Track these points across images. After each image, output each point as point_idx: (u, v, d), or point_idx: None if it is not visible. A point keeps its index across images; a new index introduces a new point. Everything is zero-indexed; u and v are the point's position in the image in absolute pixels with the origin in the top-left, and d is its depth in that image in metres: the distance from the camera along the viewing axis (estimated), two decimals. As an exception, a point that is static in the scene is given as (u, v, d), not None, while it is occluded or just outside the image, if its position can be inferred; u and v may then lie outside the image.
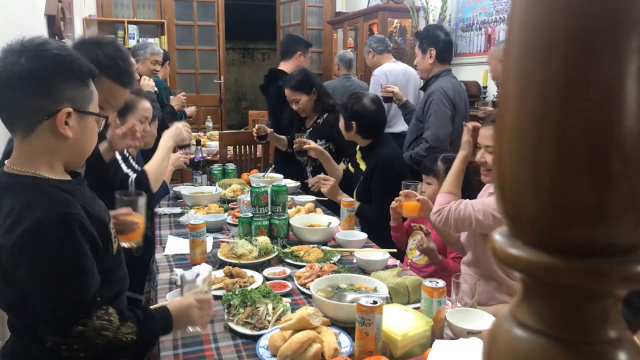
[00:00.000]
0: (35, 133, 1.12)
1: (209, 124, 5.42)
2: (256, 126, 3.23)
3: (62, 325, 1.07)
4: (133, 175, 1.98)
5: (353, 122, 2.48)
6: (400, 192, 1.94)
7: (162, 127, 3.23)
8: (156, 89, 3.59)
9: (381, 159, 2.46)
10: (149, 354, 1.46)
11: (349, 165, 2.83)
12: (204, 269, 1.77)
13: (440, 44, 2.89)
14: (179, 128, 2.26)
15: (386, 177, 2.40)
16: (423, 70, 2.98)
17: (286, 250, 1.95)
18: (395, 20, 5.15)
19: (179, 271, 1.53)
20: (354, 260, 1.87)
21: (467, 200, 1.71)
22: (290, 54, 3.54)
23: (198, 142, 3.01)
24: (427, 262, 2.07)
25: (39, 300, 1.08)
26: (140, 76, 3.63)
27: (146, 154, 2.89)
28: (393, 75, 3.58)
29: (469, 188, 2.08)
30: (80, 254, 1.10)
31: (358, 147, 2.68)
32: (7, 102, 1.11)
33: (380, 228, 2.29)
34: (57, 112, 1.11)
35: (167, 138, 2.19)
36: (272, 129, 3.20)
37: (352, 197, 2.60)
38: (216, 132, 4.79)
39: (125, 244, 1.39)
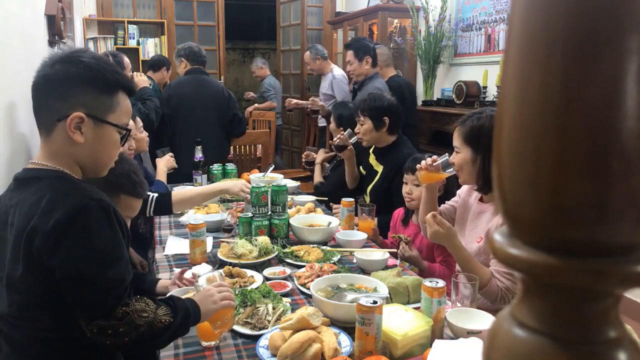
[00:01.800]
0: (53, 134, 1.18)
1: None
2: (305, 153, 3.20)
3: (107, 307, 1.09)
4: (154, 195, 2.00)
5: (386, 118, 2.50)
6: (435, 160, 1.76)
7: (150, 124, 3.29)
8: (151, 82, 3.68)
9: (406, 159, 2.40)
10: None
11: (360, 167, 2.85)
12: (204, 269, 1.78)
13: (372, 52, 3.56)
14: (237, 185, 2.18)
15: None
16: (359, 74, 3.56)
17: (286, 250, 1.95)
18: (395, 20, 5.15)
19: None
20: (354, 260, 1.87)
21: (492, 278, 1.58)
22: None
23: (198, 143, 3.02)
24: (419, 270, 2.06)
25: (80, 284, 1.08)
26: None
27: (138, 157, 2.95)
28: (346, 79, 4.29)
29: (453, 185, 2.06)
30: (119, 239, 1.14)
31: (372, 149, 2.69)
32: (35, 102, 1.20)
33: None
34: (69, 116, 1.15)
35: (222, 185, 2.08)
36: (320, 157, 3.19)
37: (364, 196, 2.61)
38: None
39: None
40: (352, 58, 3.52)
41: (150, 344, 1.17)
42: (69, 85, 1.17)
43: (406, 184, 2.16)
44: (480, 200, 1.81)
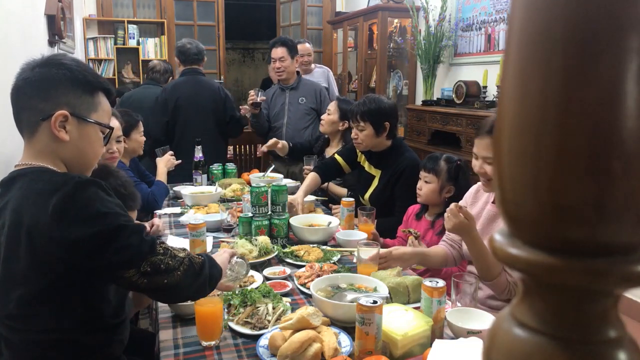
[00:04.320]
0: (37, 134, 1.19)
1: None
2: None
3: (147, 242, 1.14)
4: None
5: (387, 123, 2.41)
6: (367, 257, 1.70)
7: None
8: None
9: (409, 163, 2.40)
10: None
11: (340, 156, 2.72)
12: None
13: (298, 53, 3.70)
14: None
15: (415, 182, 2.26)
16: (290, 72, 3.59)
17: (286, 250, 1.95)
18: (395, 20, 5.15)
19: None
20: (354, 260, 1.87)
21: (503, 272, 1.61)
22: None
23: (198, 143, 3.02)
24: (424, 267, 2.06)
25: (109, 243, 1.09)
26: None
27: (143, 161, 2.94)
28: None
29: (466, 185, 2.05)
30: (120, 205, 1.16)
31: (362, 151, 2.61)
32: (15, 105, 1.22)
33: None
34: (53, 114, 1.17)
35: None
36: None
37: (366, 200, 2.58)
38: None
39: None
40: (286, 55, 3.52)
41: (199, 280, 1.22)
42: (51, 86, 1.19)
43: (420, 179, 2.16)
44: (493, 202, 1.77)
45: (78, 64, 1.25)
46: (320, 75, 4.40)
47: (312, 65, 4.39)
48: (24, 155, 1.22)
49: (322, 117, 3.12)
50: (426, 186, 2.12)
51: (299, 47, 4.13)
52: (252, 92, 3.45)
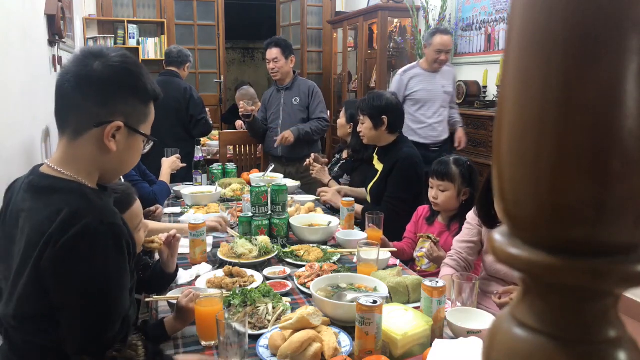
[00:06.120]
0: (82, 138, 1.11)
1: (209, 123, 5.41)
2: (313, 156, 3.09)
3: (98, 348, 1.05)
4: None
5: (384, 117, 2.49)
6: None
7: None
8: None
9: (403, 157, 2.48)
10: None
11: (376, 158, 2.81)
12: (204, 269, 1.78)
13: (294, 53, 3.70)
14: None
15: (405, 175, 2.40)
16: (285, 73, 3.60)
17: (286, 249, 1.95)
18: (395, 20, 5.15)
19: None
20: (354, 260, 1.87)
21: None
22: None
23: (198, 142, 3.02)
24: (438, 269, 2.03)
25: (75, 315, 1.04)
26: None
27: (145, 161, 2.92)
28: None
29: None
30: (124, 268, 1.08)
31: (376, 150, 2.70)
32: (67, 100, 1.11)
33: (388, 227, 2.21)
34: (108, 123, 1.10)
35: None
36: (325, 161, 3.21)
37: (367, 192, 2.65)
38: (216, 132, 4.78)
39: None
40: (280, 55, 3.54)
41: None
42: (112, 92, 1.11)
43: (432, 188, 2.13)
44: None
45: (140, 69, 1.17)
46: (447, 74, 3.73)
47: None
48: (60, 155, 1.13)
49: (338, 121, 3.26)
50: (443, 195, 2.08)
51: (439, 38, 3.47)
52: (242, 104, 3.51)
